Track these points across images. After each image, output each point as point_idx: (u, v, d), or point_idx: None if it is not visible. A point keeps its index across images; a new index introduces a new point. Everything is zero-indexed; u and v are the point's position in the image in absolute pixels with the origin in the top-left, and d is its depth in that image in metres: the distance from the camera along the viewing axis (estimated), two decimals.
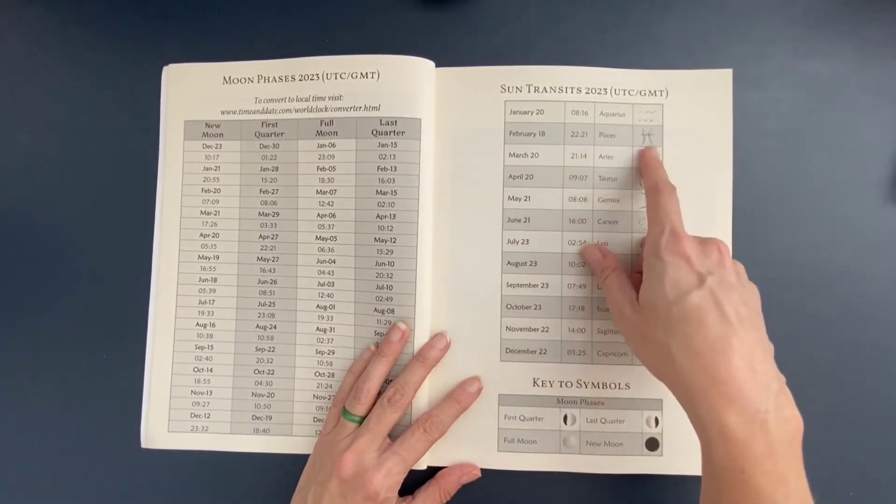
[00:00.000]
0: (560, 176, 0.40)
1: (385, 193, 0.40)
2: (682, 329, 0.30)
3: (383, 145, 0.40)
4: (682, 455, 0.39)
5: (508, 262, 0.40)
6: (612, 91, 0.40)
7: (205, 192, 0.42)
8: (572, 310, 0.40)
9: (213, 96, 0.42)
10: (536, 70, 0.41)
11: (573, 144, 0.40)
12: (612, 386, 0.40)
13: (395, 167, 0.40)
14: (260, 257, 0.42)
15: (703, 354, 0.29)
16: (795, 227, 0.40)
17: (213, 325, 0.42)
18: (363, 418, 0.38)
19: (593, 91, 0.40)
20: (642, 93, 0.40)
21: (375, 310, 0.40)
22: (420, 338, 0.39)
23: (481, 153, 0.41)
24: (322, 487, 0.36)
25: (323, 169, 0.41)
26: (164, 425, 0.41)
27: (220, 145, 0.42)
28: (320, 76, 0.41)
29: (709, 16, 0.41)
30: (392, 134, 0.40)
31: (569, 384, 0.40)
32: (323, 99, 0.41)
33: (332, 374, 0.41)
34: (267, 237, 0.42)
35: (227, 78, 0.42)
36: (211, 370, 0.41)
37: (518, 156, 0.41)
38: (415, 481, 0.39)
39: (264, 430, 0.41)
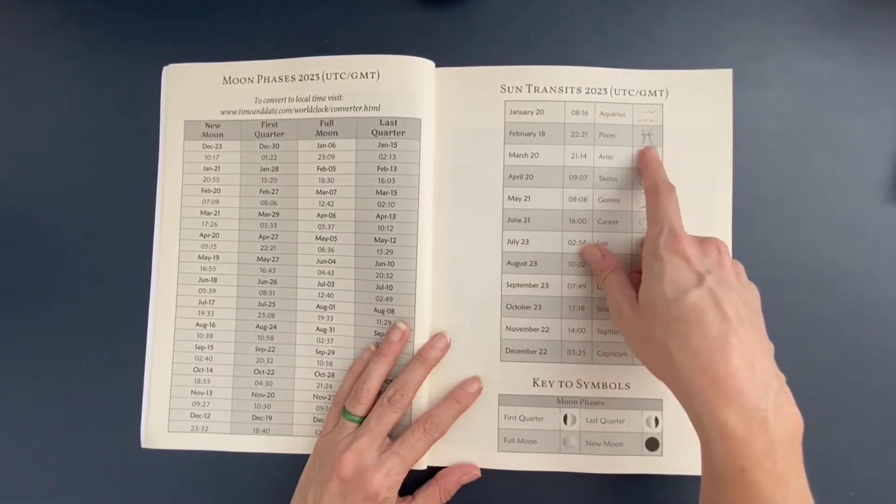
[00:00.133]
0: (560, 176, 0.40)
1: (385, 193, 0.40)
2: (682, 328, 0.30)
3: (383, 145, 0.40)
4: (682, 455, 0.39)
5: (508, 262, 0.40)
6: (612, 91, 0.40)
7: (205, 192, 0.42)
8: (572, 310, 0.40)
9: (213, 96, 0.42)
10: (536, 70, 0.41)
11: (573, 144, 0.40)
12: (612, 386, 0.40)
13: (395, 167, 0.40)
14: (260, 257, 0.42)
15: (702, 353, 0.29)
16: (795, 227, 0.40)
17: (213, 325, 0.42)
18: (363, 418, 0.38)
19: (593, 91, 0.40)
20: (642, 93, 0.40)
21: (375, 310, 0.40)
22: (420, 338, 0.39)
23: (481, 153, 0.41)
24: (322, 487, 0.36)
25: (323, 169, 0.41)
26: (164, 425, 0.41)
27: (220, 145, 0.42)
28: (320, 76, 0.41)
29: (709, 16, 0.41)
30: (392, 134, 0.40)
31: (569, 384, 0.40)
32: (323, 99, 0.41)
33: (332, 374, 0.41)
34: (267, 237, 0.42)
35: (227, 78, 0.42)
36: (211, 370, 0.41)
37: (518, 156, 0.41)
38: (415, 481, 0.39)
39: (264, 430, 0.41)
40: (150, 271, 0.42)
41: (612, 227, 0.40)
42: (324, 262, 0.41)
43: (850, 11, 0.41)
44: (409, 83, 0.40)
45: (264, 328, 0.41)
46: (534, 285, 0.40)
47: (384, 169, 0.40)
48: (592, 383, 0.40)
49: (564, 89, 0.41)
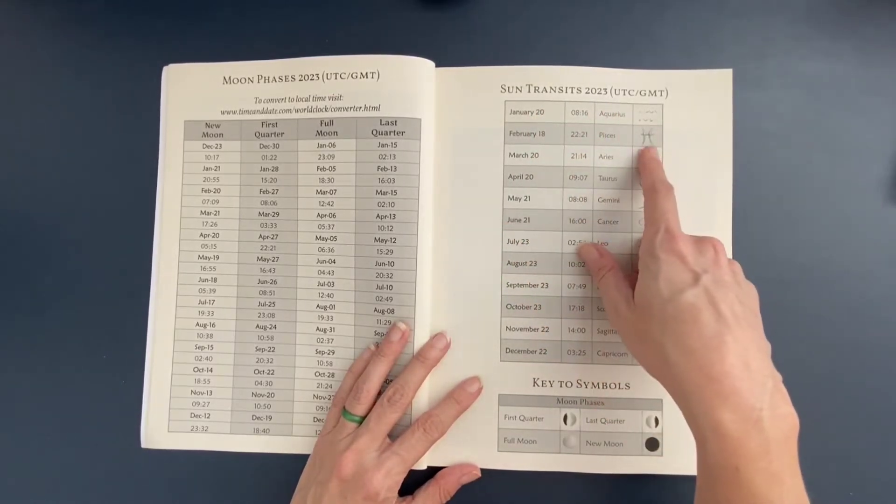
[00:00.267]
0: (560, 176, 0.40)
1: (385, 193, 0.40)
2: (677, 327, 0.30)
3: (383, 145, 0.40)
4: (681, 455, 0.39)
5: (508, 262, 0.40)
6: (612, 91, 0.40)
7: (205, 192, 0.42)
8: (572, 310, 0.40)
9: (213, 96, 0.42)
10: (536, 70, 0.41)
11: (573, 144, 0.40)
12: (612, 386, 0.40)
13: (395, 167, 0.40)
14: (260, 257, 0.42)
15: (697, 352, 0.29)
16: (795, 227, 0.40)
17: (213, 325, 0.42)
18: (363, 418, 0.38)
19: (593, 91, 0.40)
20: (642, 93, 0.40)
21: (375, 310, 0.40)
22: (420, 338, 0.39)
23: (481, 153, 0.41)
24: (322, 487, 0.36)
25: (323, 169, 0.41)
26: (164, 425, 0.41)
27: (220, 145, 0.42)
28: (320, 76, 0.41)
29: (709, 16, 0.41)
30: (392, 134, 0.40)
31: (569, 384, 0.40)
32: (323, 99, 0.41)
33: (332, 374, 0.41)
34: (267, 237, 0.42)
35: (227, 78, 0.42)
36: (211, 370, 0.41)
37: (518, 156, 0.41)
38: (415, 481, 0.39)
39: (264, 430, 0.41)
40: (150, 271, 0.42)
41: (612, 227, 0.40)
42: (324, 262, 0.41)
43: (850, 11, 0.41)
44: (409, 83, 0.40)
45: (264, 328, 0.41)
46: (534, 285, 0.40)
47: (384, 169, 0.40)
48: (592, 383, 0.40)
49: (564, 89, 0.41)
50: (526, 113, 0.41)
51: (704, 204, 0.40)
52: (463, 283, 0.40)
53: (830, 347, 0.40)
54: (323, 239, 0.41)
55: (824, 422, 0.39)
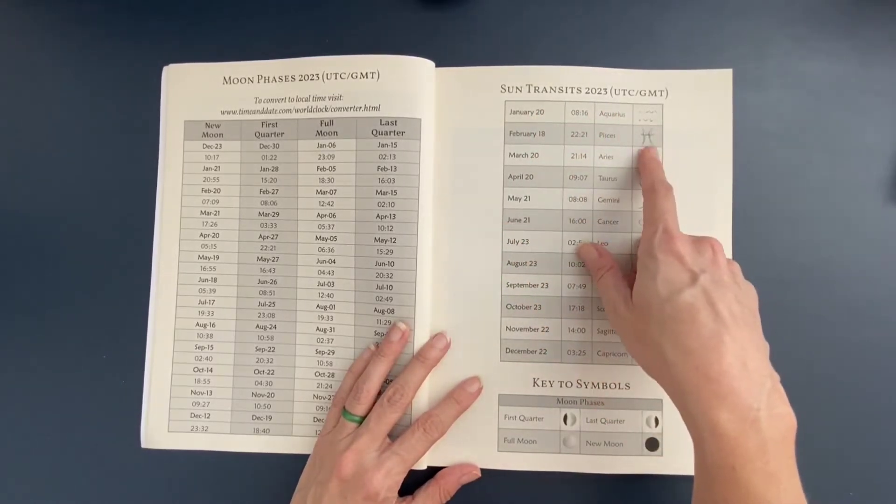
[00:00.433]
0: (560, 176, 0.40)
1: (385, 193, 0.40)
2: (675, 327, 0.30)
3: (383, 145, 0.40)
4: (681, 455, 0.39)
5: (508, 262, 0.40)
6: (612, 91, 0.40)
7: (205, 192, 0.42)
8: (572, 310, 0.40)
9: (213, 96, 0.42)
10: (536, 70, 0.41)
11: (573, 144, 0.40)
12: (612, 386, 0.40)
13: (395, 167, 0.40)
14: (260, 257, 0.42)
15: (695, 352, 0.29)
16: (795, 227, 0.40)
17: (213, 325, 0.42)
18: (363, 418, 0.38)
19: (593, 91, 0.40)
20: (642, 93, 0.40)
21: (375, 310, 0.40)
22: (420, 338, 0.39)
23: (481, 153, 0.41)
24: (322, 487, 0.36)
25: (323, 169, 0.41)
26: (164, 425, 0.41)
27: (220, 145, 0.42)
28: (320, 76, 0.41)
29: (709, 16, 0.41)
30: (392, 134, 0.40)
31: (569, 384, 0.40)
32: (323, 99, 0.41)
33: (332, 374, 0.41)
34: (267, 237, 0.42)
35: (227, 78, 0.42)
36: (211, 370, 0.41)
37: (518, 156, 0.41)
38: (415, 481, 0.39)
39: (264, 430, 0.41)
40: (150, 271, 0.42)
41: (612, 227, 0.40)
42: (324, 262, 0.41)
43: (850, 11, 0.41)
44: (409, 83, 0.40)
45: (264, 328, 0.41)
46: (534, 285, 0.40)
47: (384, 169, 0.40)
48: (592, 383, 0.40)
49: (564, 89, 0.41)
50: (526, 113, 0.41)
51: (704, 204, 0.40)
52: (463, 283, 0.40)
53: (830, 347, 0.40)
54: (323, 239, 0.41)
55: (824, 422, 0.39)
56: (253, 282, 0.42)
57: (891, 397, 0.39)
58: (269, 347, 0.41)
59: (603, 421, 0.40)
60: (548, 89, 0.41)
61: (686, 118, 0.40)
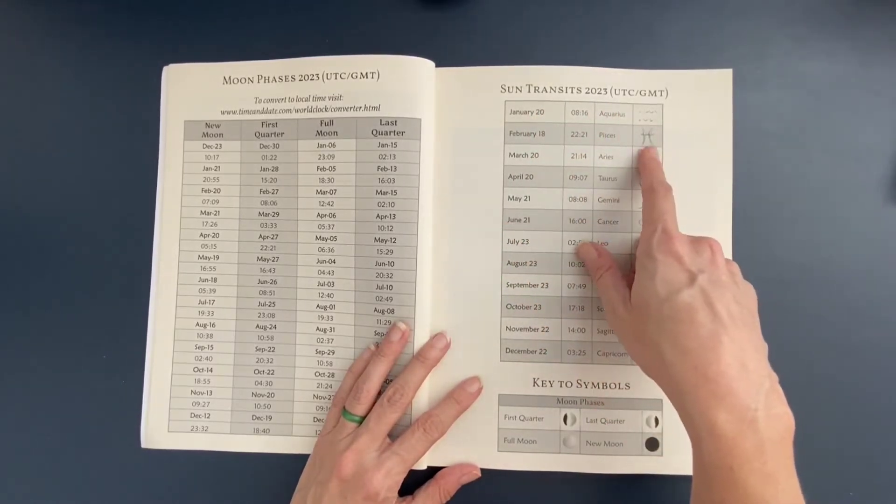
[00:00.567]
0: (560, 176, 0.40)
1: (385, 193, 0.40)
2: (673, 327, 0.30)
3: (383, 145, 0.40)
4: (681, 455, 0.39)
5: (508, 262, 0.40)
6: (612, 91, 0.40)
7: (205, 192, 0.42)
8: (572, 310, 0.40)
9: (213, 96, 0.42)
10: (536, 70, 0.41)
11: (573, 144, 0.40)
12: (612, 386, 0.40)
13: (395, 167, 0.40)
14: (260, 257, 0.42)
15: (693, 352, 0.29)
16: (795, 227, 0.40)
17: (213, 325, 0.42)
18: (363, 418, 0.38)
19: (593, 91, 0.40)
20: (642, 93, 0.40)
21: (375, 310, 0.40)
22: (420, 338, 0.39)
23: (481, 153, 0.41)
24: (322, 487, 0.36)
25: (323, 169, 0.41)
26: (164, 425, 0.41)
27: (220, 145, 0.42)
28: (320, 76, 0.41)
29: (709, 16, 0.41)
30: (392, 134, 0.40)
31: (569, 384, 0.40)
32: (323, 99, 0.41)
33: (332, 374, 0.41)
34: (267, 237, 0.42)
35: (227, 78, 0.42)
36: (211, 370, 0.41)
37: (518, 156, 0.41)
38: (415, 481, 0.39)
39: (264, 430, 0.41)
40: (150, 271, 0.42)
41: (612, 227, 0.40)
42: (324, 262, 0.41)
43: (849, 11, 0.41)
44: (409, 83, 0.40)
45: (264, 328, 0.41)
46: (534, 285, 0.40)
47: (384, 169, 0.40)
48: (592, 383, 0.40)
49: (564, 89, 0.41)
50: (526, 113, 0.41)
51: (704, 204, 0.40)
52: (463, 283, 0.40)
53: (830, 347, 0.40)
54: (323, 239, 0.41)
55: (824, 422, 0.39)
56: (253, 282, 0.42)
57: (891, 397, 0.39)
58: (269, 347, 0.41)
59: (603, 421, 0.40)
60: (548, 89, 0.41)
61: (686, 118, 0.40)
